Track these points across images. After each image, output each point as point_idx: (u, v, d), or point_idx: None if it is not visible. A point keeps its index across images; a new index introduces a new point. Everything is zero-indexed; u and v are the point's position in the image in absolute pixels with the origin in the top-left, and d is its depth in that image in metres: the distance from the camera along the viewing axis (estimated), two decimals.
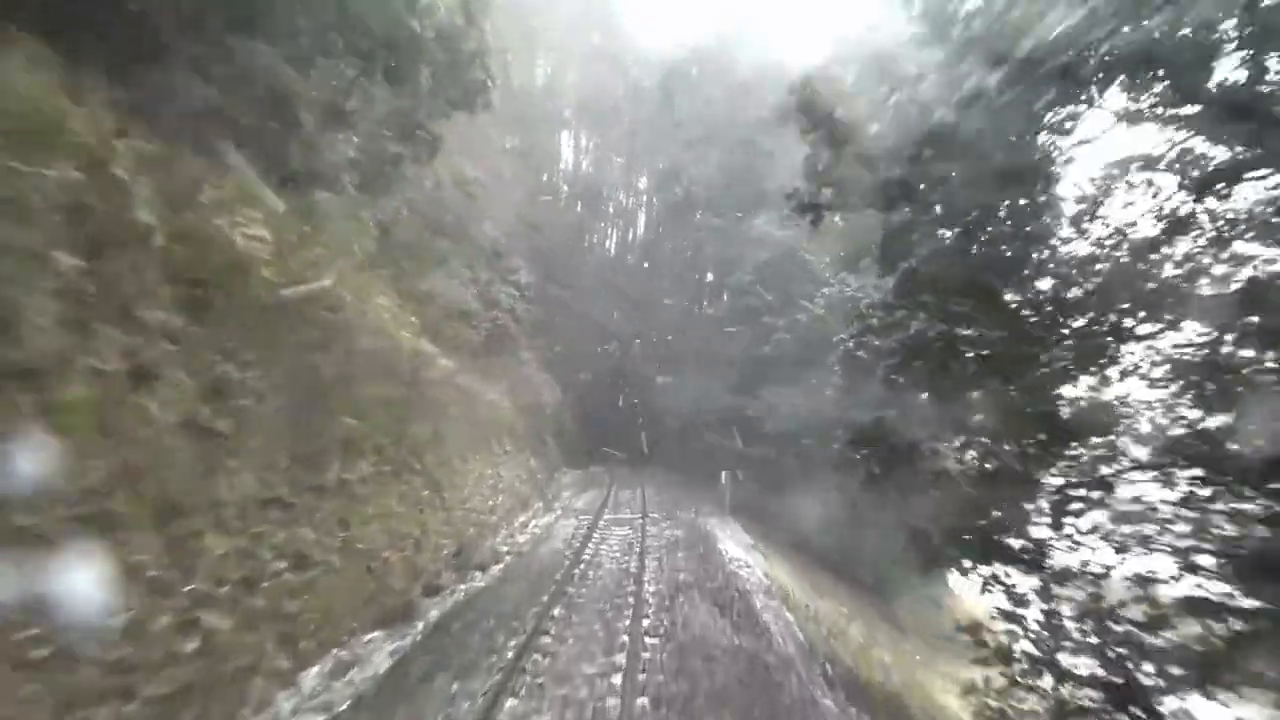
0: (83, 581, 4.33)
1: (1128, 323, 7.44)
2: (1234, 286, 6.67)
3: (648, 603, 8.34)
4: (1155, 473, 6.95)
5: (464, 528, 12.29)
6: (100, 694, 4.42)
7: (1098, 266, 7.78)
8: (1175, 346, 7.26)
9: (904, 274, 8.99)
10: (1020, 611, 7.58)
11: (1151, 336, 7.37)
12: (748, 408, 20.52)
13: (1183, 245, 7.16)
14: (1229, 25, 6.22)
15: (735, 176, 22.19)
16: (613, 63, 43.60)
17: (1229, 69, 6.32)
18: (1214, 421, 6.72)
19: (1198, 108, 6.70)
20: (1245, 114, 6.04)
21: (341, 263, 9.96)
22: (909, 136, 8.26)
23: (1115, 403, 7.84)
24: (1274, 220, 6.37)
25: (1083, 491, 7.25)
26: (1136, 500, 7.02)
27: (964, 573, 8.68)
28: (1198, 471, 6.49)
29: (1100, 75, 6.89)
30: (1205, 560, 6.32)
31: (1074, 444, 7.46)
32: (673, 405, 26.69)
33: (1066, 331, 7.77)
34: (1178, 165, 7.17)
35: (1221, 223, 6.84)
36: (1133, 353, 7.53)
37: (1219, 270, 6.93)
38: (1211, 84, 6.41)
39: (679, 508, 17.63)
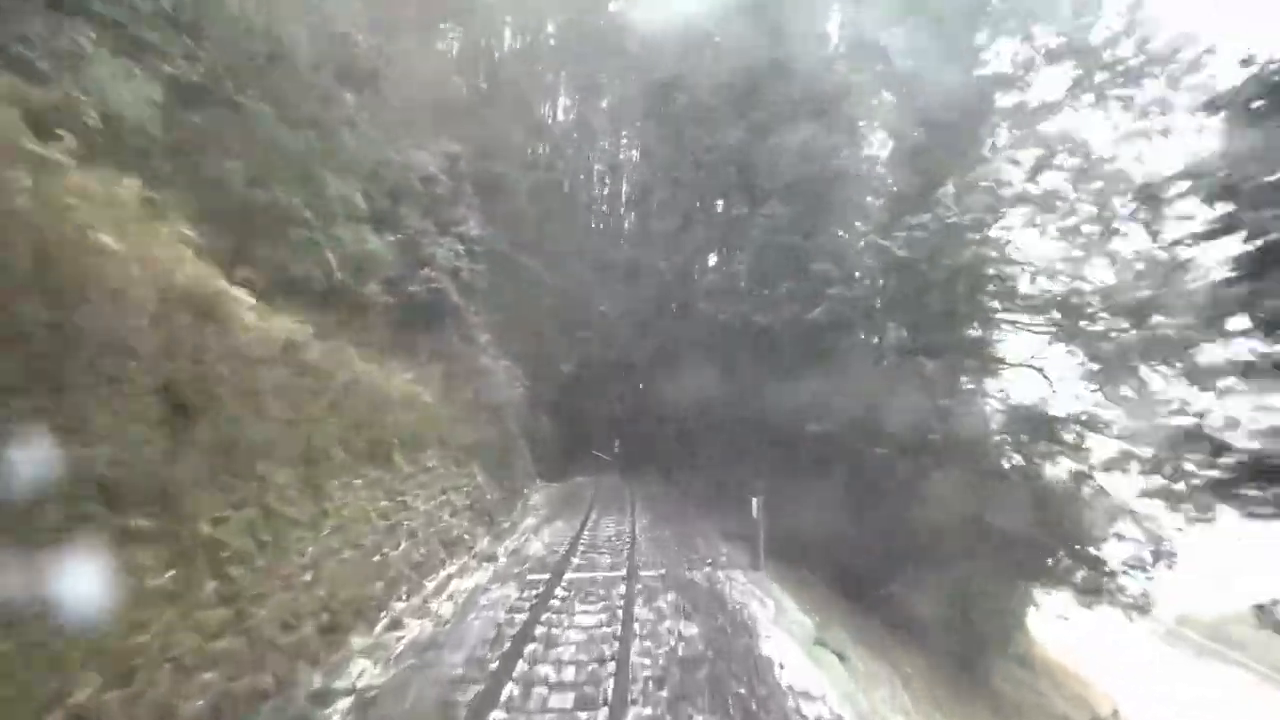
0: None
1: None
2: None
3: None
4: None
5: (281, 633, 6.61)
6: None
7: None
8: None
9: None
10: None
11: None
12: (782, 402, 14.88)
13: None
14: None
15: (760, 75, 16.43)
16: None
17: None
18: None
19: None
20: None
21: None
22: None
23: None
24: None
25: None
26: None
27: None
28: None
29: None
30: None
31: None
32: (676, 400, 21.04)
33: None
34: None
35: None
36: None
37: None
38: None
39: (688, 554, 12.01)
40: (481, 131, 29.61)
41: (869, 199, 15.64)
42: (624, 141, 37.23)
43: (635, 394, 28.05)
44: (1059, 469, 14.00)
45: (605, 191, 36.60)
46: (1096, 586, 13.65)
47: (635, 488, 21.00)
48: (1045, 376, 13.67)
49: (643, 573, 10.08)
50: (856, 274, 14.37)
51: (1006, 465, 14.16)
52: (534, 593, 8.90)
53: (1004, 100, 18.07)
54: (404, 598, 9.43)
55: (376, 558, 9.28)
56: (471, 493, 15.21)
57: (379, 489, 10.17)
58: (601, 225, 35.40)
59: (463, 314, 17.96)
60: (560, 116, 36.60)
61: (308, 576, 7.52)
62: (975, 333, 15.01)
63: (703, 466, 20.96)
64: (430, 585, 10.24)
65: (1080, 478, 13.31)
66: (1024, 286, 15.16)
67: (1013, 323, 15.80)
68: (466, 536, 13.51)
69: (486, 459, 17.58)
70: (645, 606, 8.20)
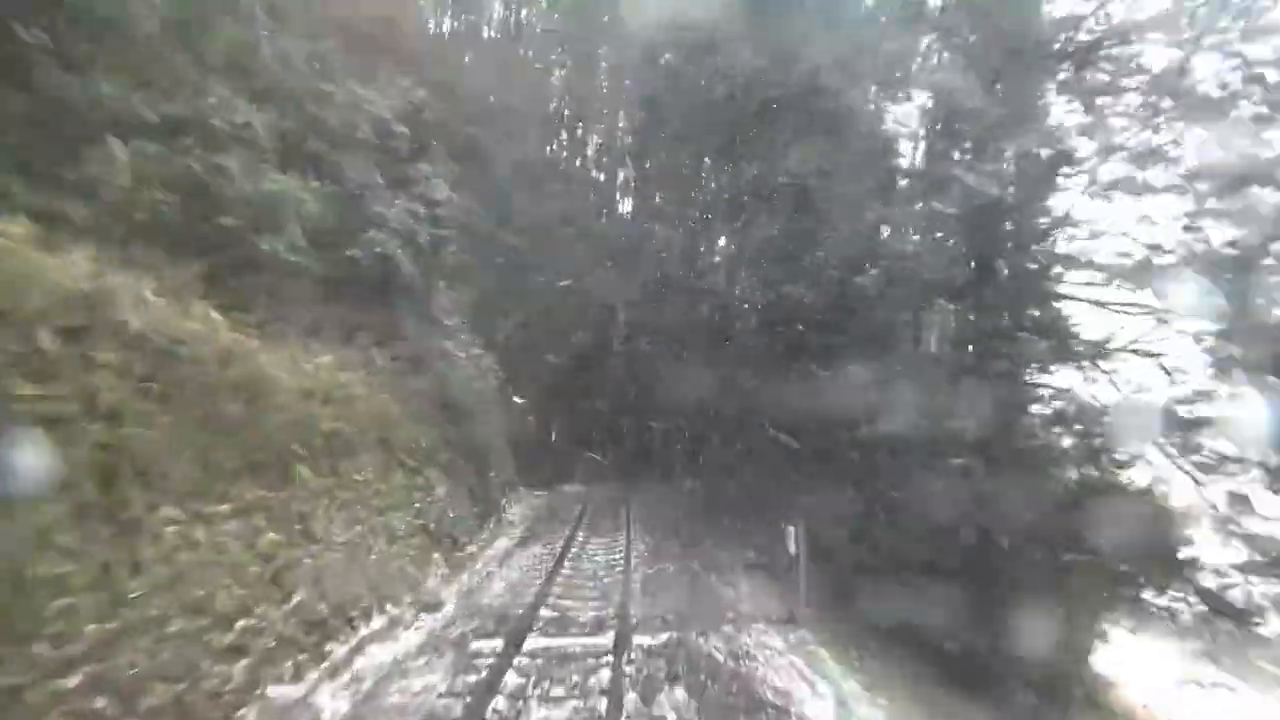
0: None
1: None
2: None
3: None
4: None
5: None
6: None
7: None
8: None
9: None
10: None
11: None
12: (814, 398, 11.93)
13: None
14: None
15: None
16: None
17: None
18: None
19: None
20: None
21: None
22: None
23: None
24: None
25: None
26: None
27: None
28: None
29: None
30: None
31: None
32: (684, 395, 18.09)
33: None
34: None
35: None
36: None
37: None
38: None
39: (700, 601, 9.05)
40: (461, 92, 26.79)
41: (920, 133, 12.70)
42: (622, 120, 34.39)
43: (636, 389, 25.09)
44: (1175, 482, 11.12)
45: (601, 168, 33.69)
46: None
47: (634, 500, 18.08)
48: (1162, 366, 10.74)
49: (638, 638, 7.14)
50: (912, 231, 11.46)
51: (1109, 477, 11.25)
52: (472, 680, 5.96)
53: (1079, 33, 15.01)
54: (283, 680, 6.51)
55: (242, 623, 6.34)
56: (425, 510, 12.27)
57: (261, 516, 7.23)
58: (599, 203, 32.51)
59: (422, 290, 15.02)
60: (554, 81, 33.69)
61: (74, 679, 4.61)
62: (1061, 310, 12.10)
63: (716, 475, 18.02)
64: (336, 655, 7.30)
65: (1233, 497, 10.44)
66: (1120, 250, 12.21)
67: (1102, 304, 12.83)
68: (411, 570, 10.58)
69: (451, 466, 14.64)
70: (641, 717, 5.25)
